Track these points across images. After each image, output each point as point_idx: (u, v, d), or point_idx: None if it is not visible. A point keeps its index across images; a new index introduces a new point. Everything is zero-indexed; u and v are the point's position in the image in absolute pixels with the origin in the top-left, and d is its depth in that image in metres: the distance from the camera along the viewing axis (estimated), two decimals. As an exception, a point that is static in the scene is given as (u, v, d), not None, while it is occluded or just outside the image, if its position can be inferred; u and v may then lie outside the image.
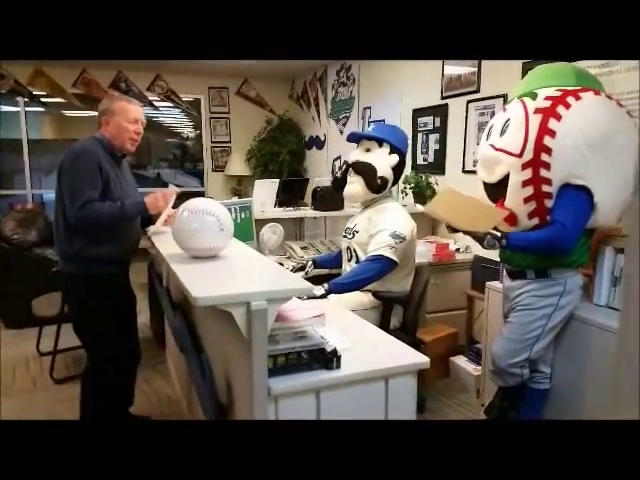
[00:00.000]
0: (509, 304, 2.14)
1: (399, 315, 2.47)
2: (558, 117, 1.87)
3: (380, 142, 2.43)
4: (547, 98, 1.94)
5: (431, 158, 3.81)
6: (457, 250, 3.29)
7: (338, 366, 1.44)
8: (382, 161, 2.41)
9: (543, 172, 1.88)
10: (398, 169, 2.47)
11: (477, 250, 3.12)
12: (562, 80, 2.01)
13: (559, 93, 1.93)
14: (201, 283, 1.41)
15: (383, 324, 2.35)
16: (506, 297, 2.19)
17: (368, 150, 2.46)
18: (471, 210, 2.02)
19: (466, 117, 3.42)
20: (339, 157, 5.47)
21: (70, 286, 2.19)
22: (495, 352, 2.11)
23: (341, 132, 5.41)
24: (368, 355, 1.53)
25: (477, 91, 3.33)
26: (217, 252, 1.75)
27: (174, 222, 1.77)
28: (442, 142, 3.70)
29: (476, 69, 3.32)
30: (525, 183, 1.92)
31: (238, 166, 6.57)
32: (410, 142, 4.06)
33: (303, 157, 6.45)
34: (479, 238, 1.95)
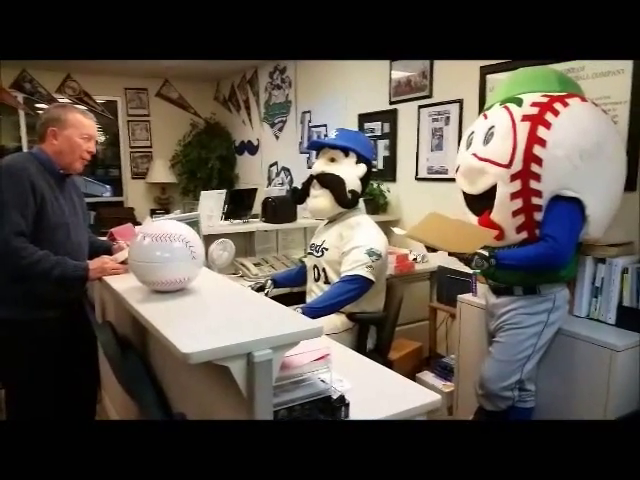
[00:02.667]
0: (495, 322, 2.02)
1: (373, 336, 2.29)
2: (547, 125, 1.77)
3: (346, 151, 2.24)
4: (534, 104, 1.83)
5: (380, 165, 3.67)
6: (414, 260, 3.17)
7: (347, 416, 1.23)
8: (350, 172, 2.21)
9: (533, 184, 1.78)
10: (365, 179, 2.29)
11: (437, 260, 3.02)
12: (545, 85, 1.92)
13: (545, 99, 1.84)
14: (186, 332, 1.13)
15: (359, 347, 2.16)
16: (491, 315, 2.07)
17: (332, 160, 2.25)
18: (457, 232, 1.89)
19: (418, 123, 3.32)
20: (275, 163, 5.22)
21: None
22: (485, 376, 1.99)
23: (277, 137, 5.16)
24: (374, 397, 1.33)
25: (429, 96, 3.23)
26: (186, 284, 1.47)
27: (131, 250, 1.46)
28: (392, 148, 3.58)
29: (428, 73, 3.22)
30: (514, 195, 1.81)
31: (161, 173, 6.12)
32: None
33: (234, 163, 6.12)
34: (466, 259, 1.81)
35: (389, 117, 3.58)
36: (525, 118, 1.81)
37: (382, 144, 3.67)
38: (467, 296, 2.47)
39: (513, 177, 1.80)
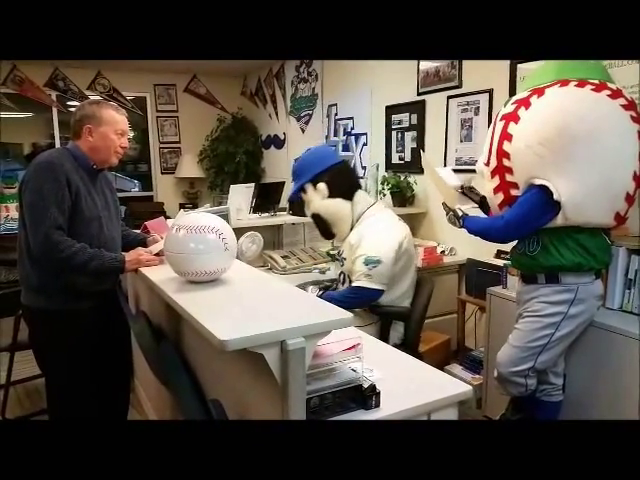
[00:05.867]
0: (519, 310, 2.03)
1: (401, 330, 2.28)
2: (517, 120, 1.85)
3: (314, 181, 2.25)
4: (514, 102, 1.90)
5: (408, 157, 3.66)
6: (442, 252, 3.16)
7: (377, 405, 1.24)
8: (314, 201, 2.27)
9: (508, 177, 1.88)
10: (339, 177, 2.26)
11: (467, 253, 3.01)
12: (541, 78, 1.90)
13: (527, 94, 1.87)
14: (222, 320, 1.16)
15: (383, 341, 2.17)
16: (518, 302, 2.07)
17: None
18: (440, 183, 2.21)
19: (447, 114, 3.29)
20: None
21: (32, 321, 1.86)
22: (498, 359, 2.02)
23: (303, 130, 5.18)
24: (404, 387, 1.34)
25: (459, 86, 3.20)
26: (220, 275, 1.50)
27: (166, 242, 1.50)
28: (420, 140, 3.56)
29: (457, 63, 3.19)
30: (495, 190, 1.94)
31: (190, 168, 6.21)
32: (383, 140, 3.93)
33: (260, 157, 6.17)
34: (446, 211, 2.15)
35: (417, 108, 3.55)
36: (503, 117, 1.90)
37: (409, 136, 3.65)
38: (497, 288, 2.46)
39: (492, 173, 1.92)
